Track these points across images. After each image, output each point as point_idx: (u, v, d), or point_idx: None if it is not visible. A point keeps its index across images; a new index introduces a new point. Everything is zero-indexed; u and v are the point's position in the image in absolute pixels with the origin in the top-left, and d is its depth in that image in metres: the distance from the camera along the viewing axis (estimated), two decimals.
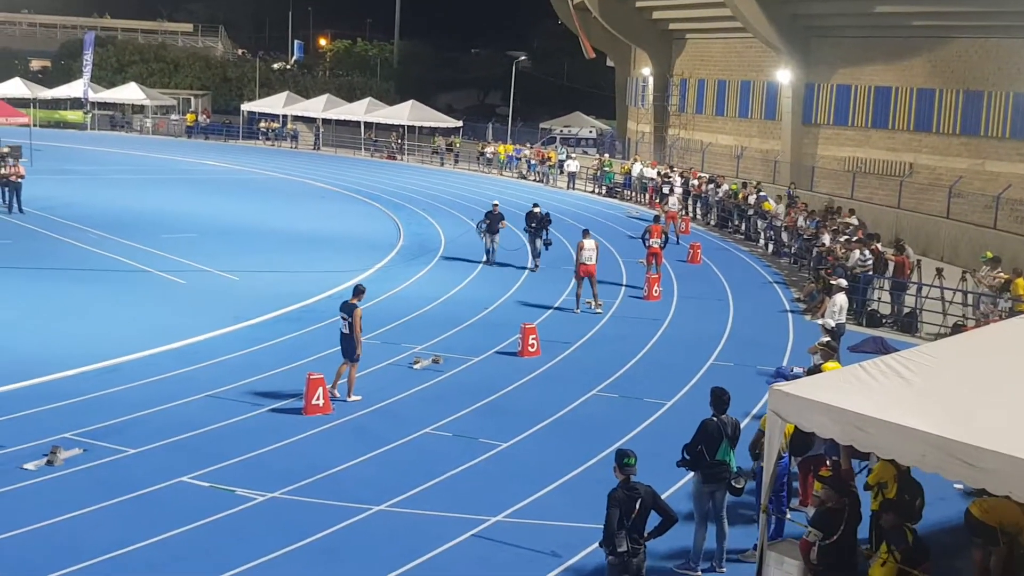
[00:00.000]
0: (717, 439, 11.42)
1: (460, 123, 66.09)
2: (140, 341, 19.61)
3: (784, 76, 46.20)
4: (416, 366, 18.96)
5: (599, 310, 24.20)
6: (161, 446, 14.45)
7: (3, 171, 34.19)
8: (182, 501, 12.69)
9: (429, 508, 12.83)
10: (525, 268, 29.52)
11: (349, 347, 16.74)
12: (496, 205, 31.29)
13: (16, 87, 66.04)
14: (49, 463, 13.53)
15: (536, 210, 30.32)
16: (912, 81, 41.83)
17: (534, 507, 13.04)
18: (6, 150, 36.37)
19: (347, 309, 16.67)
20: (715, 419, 11.58)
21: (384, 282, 26.44)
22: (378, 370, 18.53)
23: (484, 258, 30.60)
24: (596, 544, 10.97)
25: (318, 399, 16.16)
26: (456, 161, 61.09)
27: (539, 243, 29.78)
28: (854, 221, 29.99)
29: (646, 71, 58.50)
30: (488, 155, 60.60)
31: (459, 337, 21.40)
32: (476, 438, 15.37)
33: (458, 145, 61.73)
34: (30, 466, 13.39)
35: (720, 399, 11.72)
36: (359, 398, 16.76)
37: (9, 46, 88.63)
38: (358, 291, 17.10)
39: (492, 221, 30.02)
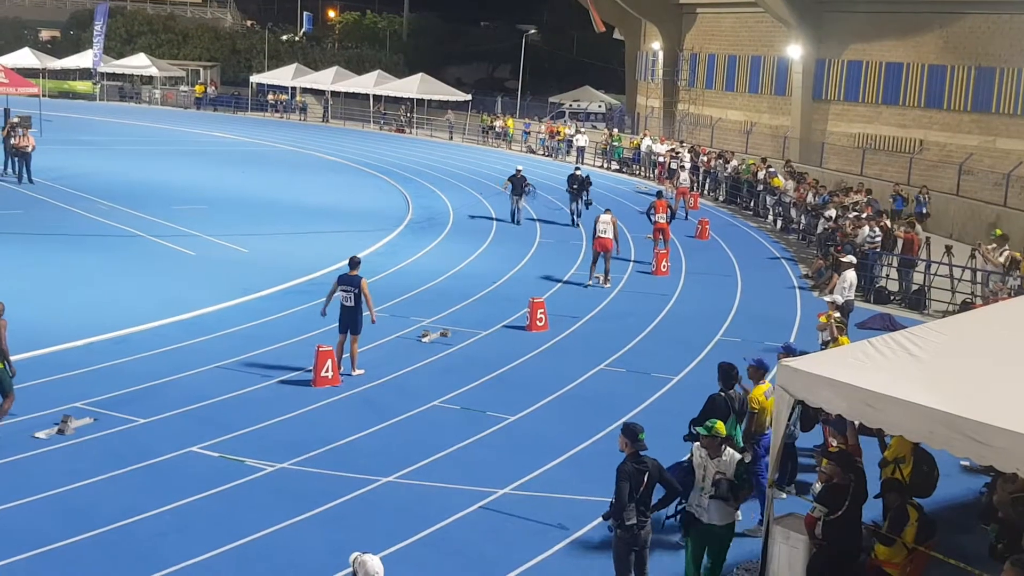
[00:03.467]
0: (724, 413, 11.46)
1: (469, 97, 65.86)
2: (150, 312, 19.68)
3: (795, 51, 46.00)
4: (425, 339, 19.00)
5: (607, 285, 24.20)
6: (171, 416, 14.52)
7: (13, 141, 34.13)
8: (192, 471, 12.76)
9: (437, 480, 12.89)
10: (537, 240, 29.54)
11: (350, 320, 16.67)
12: (519, 169, 33.16)
13: (25, 57, 65.99)
14: (60, 432, 13.62)
15: (577, 173, 33.80)
16: (923, 57, 41.60)
17: (541, 480, 13.10)
18: (16, 120, 36.34)
19: (351, 281, 16.59)
20: (723, 394, 11.66)
21: (393, 255, 26.47)
22: (387, 343, 18.58)
23: (511, 219, 32.74)
24: (600, 518, 11.07)
25: (327, 371, 16.22)
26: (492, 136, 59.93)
27: (580, 203, 32.58)
28: (863, 199, 29.91)
29: (656, 45, 58.25)
30: (497, 129, 60.40)
31: (468, 311, 21.43)
32: (484, 411, 15.43)
33: (511, 126, 60.32)
34: (41, 435, 13.49)
35: (728, 374, 11.77)
36: (363, 372, 16.79)
37: (19, 16, 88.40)
38: (355, 263, 16.98)
39: (516, 185, 32.34)
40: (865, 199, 30.02)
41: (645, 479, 9.49)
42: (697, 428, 10.08)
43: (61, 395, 14.67)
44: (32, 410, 14.02)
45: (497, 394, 16.28)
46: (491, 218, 33.47)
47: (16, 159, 34.04)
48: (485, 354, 18.38)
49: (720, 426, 9.87)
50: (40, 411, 14.01)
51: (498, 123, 61.23)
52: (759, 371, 12.34)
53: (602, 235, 24.03)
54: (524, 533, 11.64)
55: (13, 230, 26.53)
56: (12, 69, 50.88)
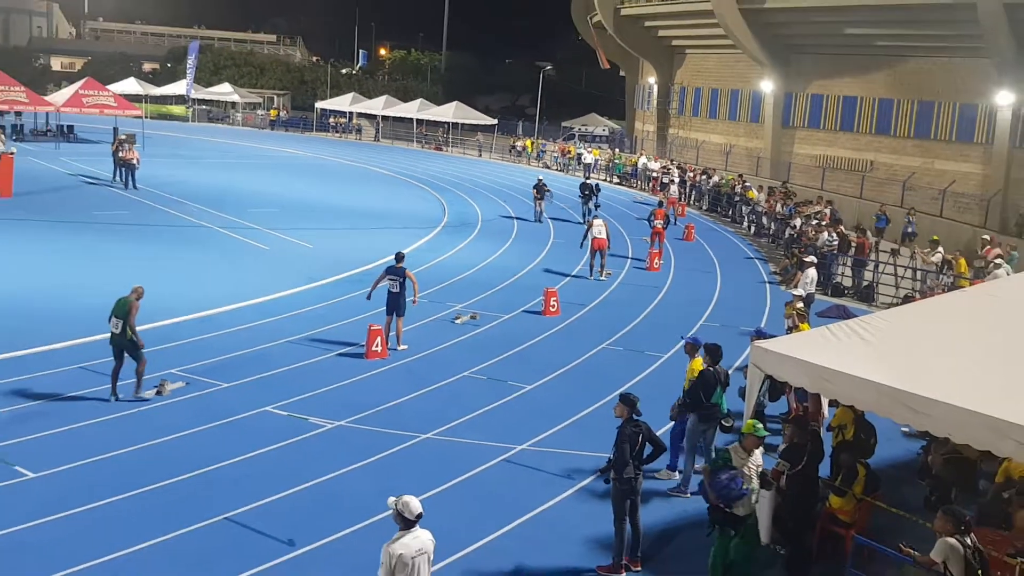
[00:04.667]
0: (712, 385, 11.48)
1: (495, 121, 65.69)
2: (231, 296, 19.72)
3: (767, 86, 45.74)
4: (457, 321, 18.99)
5: (605, 278, 24.15)
6: (248, 381, 14.56)
7: (121, 155, 34.23)
8: (265, 427, 12.80)
9: (467, 437, 12.91)
10: (551, 240, 29.51)
11: (396, 303, 16.64)
12: (541, 179, 34.61)
13: (131, 85, 66.24)
14: (158, 393, 13.69)
15: (588, 182, 35.70)
16: (874, 92, 41.32)
17: (553, 438, 13.11)
18: (123, 137, 36.50)
19: (398, 272, 16.59)
20: (711, 369, 11.62)
21: (431, 252, 26.46)
22: (426, 323, 18.58)
23: (534, 219, 33.70)
24: (598, 472, 11.09)
25: (376, 346, 16.23)
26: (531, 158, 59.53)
27: (590, 205, 33.58)
28: (826, 210, 29.73)
29: (651, 80, 57.97)
30: (518, 148, 60.31)
31: (493, 298, 21.41)
32: (506, 381, 15.42)
33: (529, 146, 59.85)
34: (144, 395, 13.53)
35: (715, 352, 11.77)
36: (406, 347, 16.78)
37: (126, 51, 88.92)
38: (400, 256, 17.01)
39: (538, 189, 33.61)
40: (827, 209, 29.85)
41: (640, 440, 9.52)
42: (744, 432, 9.65)
43: (159, 363, 14.64)
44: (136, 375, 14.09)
45: (517, 367, 16.27)
46: (513, 220, 33.41)
47: (124, 169, 34.11)
48: (507, 334, 18.36)
49: (760, 427, 9.67)
50: (131, 378, 14.00)
51: (519, 143, 61.07)
52: (695, 347, 12.39)
53: (598, 236, 24.02)
54: (538, 482, 11.65)
55: (122, 229, 26.64)
56: (120, 95, 51.10)
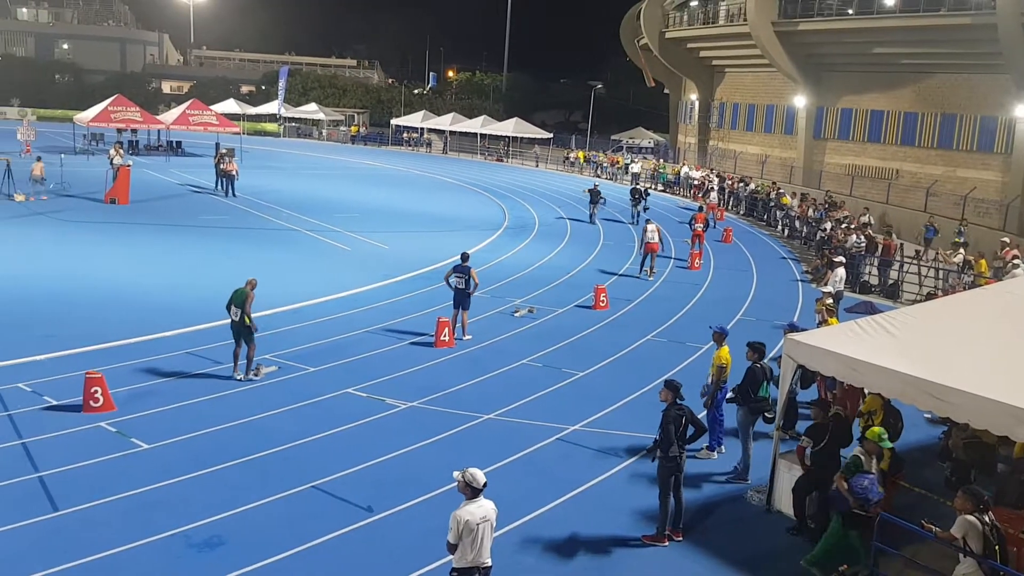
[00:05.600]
0: (760, 380, 11.26)
1: (551, 135, 65.52)
2: (317, 290, 19.98)
3: (800, 101, 44.94)
4: (516, 314, 19.02)
5: (650, 277, 23.97)
6: (332, 366, 14.75)
7: (222, 167, 34.86)
8: (347, 407, 12.96)
9: (525, 418, 12.93)
10: (601, 242, 29.37)
11: (462, 298, 16.70)
12: (596, 184, 35.75)
13: (231, 105, 67.47)
14: (255, 375, 13.94)
15: (638, 187, 36.68)
16: (900, 106, 40.36)
17: (603, 420, 13.06)
18: (224, 151, 37.13)
19: (464, 270, 16.66)
20: (758, 365, 11.39)
21: (493, 252, 26.53)
22: (488, 316, 18.63)
23: (588, 220, 33.90)
24: (644, 451, 11.02)
25: (444, 336, 16.33)
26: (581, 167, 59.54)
27: (639, 208, 34.57)
28: (865, 218, 29.06)
29: (693, 96, 57.37)
30: (571, 159, 60.12)
31: (548, 293, 21.39)
32: (560, 368, 15.40)
33: (581, 157, 59.86)
34: (241, 377, 13.80)
35: (759, 349, 11.52)
36: (471, 337, 16.84)
37: (226, 75, 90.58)
38: (466, 256, 17.11)
39: (593, 195, 34.04)
40: (866, 217, 29.20)
41: (683, 422, 9.45)
42: (867, 437, 9.34)
43: (256, 349, 15.00)
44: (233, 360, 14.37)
45: (570, 356, 16.24)
46: (566, 224, 33.34)
47: (224, 179, 34.70)
48: (561, 326, 18.33)
49: (885, 438, 9.34)
50: (243, 360, 14.28)
51: (572, 155, 60.84)
52: (722, 335, 12.10)
53: (650, 240, 23.80)
54: (589, 459, 11.63)
55: (224, 232, 27.20)
56: (221, 114, 52.15)
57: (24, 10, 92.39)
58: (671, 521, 9.59)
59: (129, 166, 32.09)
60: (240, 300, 13.53)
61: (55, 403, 12.32)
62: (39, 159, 33.10)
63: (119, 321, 16.54)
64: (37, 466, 10.36)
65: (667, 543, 9.51)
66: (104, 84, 75.98)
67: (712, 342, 12.34)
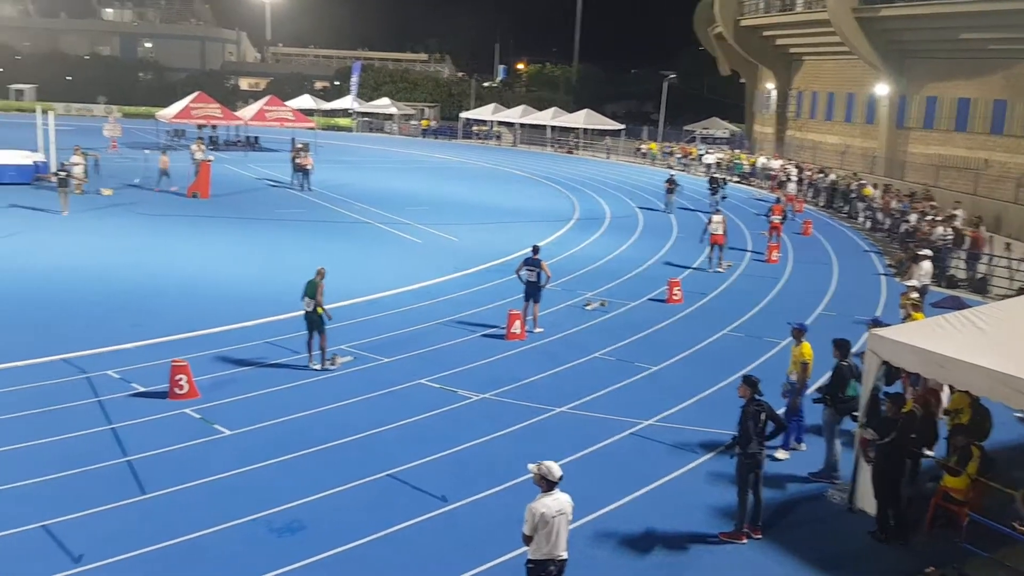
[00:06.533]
0: (847, 379, 10.97)
1: (622, 126, 65.04)
2: (390, 282, 20.26)
3: (882, 89, 43.55)
4: (588, 307, 18.95)
5: (722, 270, 23.59)
6: (405, 357, 14.94)
7: (298, 161, 35.52)
8: (420, 397, 13.11)
9: (597, 412, 12.89)
10: (675, 235, 29.05)
11: (533, 291, 16.69)
12: (673, 175, 35.82)
13: (305, 101, 68.78)
14: (331, 365, 14.22)
15: (716, 176, 37.35)
16: (988, 93, 38.72)
17: (677, 415, 12.93)
18: (300, 146, 37.84)
19: (534, 263, 16.65)
20: (845, 363, 11.09)
21: (563, 245, 26.48)
22: (559, 309, 18.61)
23: (664, 209, 34.41)
24: (723, 447, 10.87)
25: (516, 328, 16.38)
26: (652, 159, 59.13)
27: (717, 197, 34.58)
28: (957, 212, 27.97)
29: (770, 85, 56.16)
30: (643, 150, 59.59)
31: (620, 287, 21.26)
32: (633, 362, 15.30)
33: (653, 148, 59.69)
34: (318, 367, 14.09)
35: (844, 347, 11.20)
36: (542, 330, 16.84)
37: (301, 72, 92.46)
38: (536, 249, 17.05)
39: (669, 186, 34.18)
40: (958, 211, 28.12)
41: (763, 417, 9.30)
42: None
43: (332, 339, 15.11)
44: (313, 349, 14.64)
45: (643, 350, 16.11)
46: (638, 217, 33.09)
47: (300, 174, 35.32)
48: (634, 319, 18.21)
49: None
50: (316, 350, 14.58)
51: (644, 146, 60.31)
52: (801, 332, 11.78)
53: (715, 232, 23.45)
54: (664, 454, 11.53)
55: (300, 224, 27.74)
56: (297, 110, 53.22)
57: (109, 10, 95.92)
58: (749, 518, 9.45)
59: (210, 161, 33.01)
60: (312, 291, 13.82)
61: (142, 390, 12.79)
62: (164, 152, 34.42)
63: (202, 311, 17.08)
64: (126, 450, 10.78)
65: (745, 541, 9.37)
66: (185, 82, 78.33)
67: (791, 338, 12.04)
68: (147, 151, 41.20)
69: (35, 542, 8.59)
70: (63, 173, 27.15)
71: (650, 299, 20.04)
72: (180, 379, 12.52)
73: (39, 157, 33.06)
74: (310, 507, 9.57)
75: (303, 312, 14.04)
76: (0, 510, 9.13)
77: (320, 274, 14.03)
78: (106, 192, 30.52)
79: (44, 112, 34.98)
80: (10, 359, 13.71)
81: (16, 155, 33.45)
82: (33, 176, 31.62)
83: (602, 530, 9.41)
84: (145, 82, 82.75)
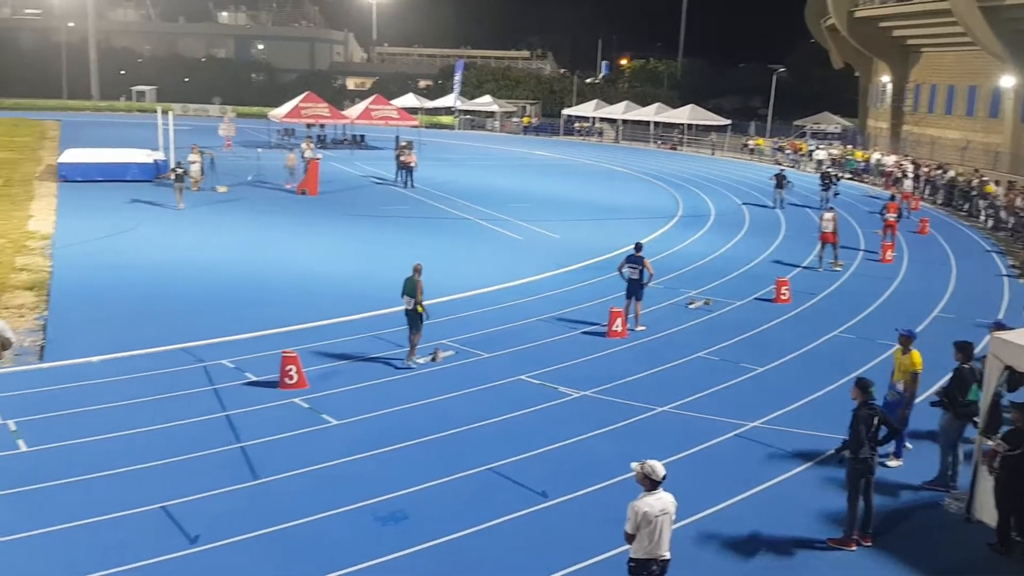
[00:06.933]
0: (969, 382, 10.48)
1: (728, 122, 63.74)
2: (491, 278, 20.43)
3: (1007, 81, 41.30)
4: (691, 306, 18.69)
5: (837, 268, 22.86)
6: (506, 353, 15.06)
7: (402, 159, 36.22)
8: (520, 393, 13.20)
9: (701, 412, 12.71)
10: (783, 232, 28.33)
11: (635, 288, 16.58)
12: (782, 170, 36.11)
13: (409, 100, 70.11)
14: (432, 359, 14.50)
15: (829, 171, 37.08)
16: None
17: (784, 417, 12.62)
18: (404, 144, 38.52)
19: (637, 260, 16.52)
20: (967, 366, 10.59)
21: (666, 242, 26.18)
22: (662, 308, 18.42)
23: (772, 205, 34.18)
24: (832, 450, 10.54)
25: (617, 326, 16.30)
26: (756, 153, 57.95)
27: (829, 193, 34.37)
28: None
29: (885, 79, 54.08)
30: (750, 146, 58.32)
31: (725, 285, 20.88)
32: (738, 363, 15.01)
33: (761, 144, 58.65)
34: (421, 360, 14.37)
35: (967, 349, 10.68)
36: (644, 328, 16.70)
37: (406, 71, 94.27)
38: (639, 246, 16.93)
39: (778, 181, 34.05)
40: None
41: (875, 422, 8.99)
42: None
43: (434, 334, 15.46)
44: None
45: (748, 350, 15.78)
46: (744, 214, 32.39)
47: (403, 171, 35.97)
48: (739, 319, 17.85)
49: None
50: (420, 344, 14.69)
51: (751, 142, 59.00)
52: (909, 339, 11.16)
53: (825, 230, 22.74)
54: (770, 457, 11.27)
55: (403, 221, 28.28)
56: (401, 108, 54.28)
57: (225, 14, 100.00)
58: (860, 525, 9.15)
59: (319, 159, 34.05)
60: (411, 289, 14.02)
61: (254, 379, 13.32)
62: (291, 151, 35.82)
63: (310, 304, 17.65)
64: (239, 436, 11.26)
65: (854, 548, 9.08)
66: (295, 82, 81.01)
67: (899, 345, 11.36)
68: (259, 149, 42.78)
69: (155, 522, 9.06)
70: (180, 170, 28.50)
71: (756, 298, 19.62)
72: (290, 369, 12.98)
73: (160, 156, 34.82)
74: (413, 497, 9.78)
75: (403, 309, 14.27)
76: (123, 491, 9.68)
77: (417, 271, 14.15)
78: (221, 189, 31.85)
79: (164, 113, 36.83)
80: (133, 348, 14.50)
81: (139, 154, 35.33)
82: (154, 174, 33.30)
83: (706, 531, 9.28)
84: (257, 83, 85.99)
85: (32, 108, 68.42)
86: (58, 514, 9.08)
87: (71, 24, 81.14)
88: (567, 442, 11.45)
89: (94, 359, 13.94)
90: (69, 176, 32.47)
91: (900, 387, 11.09)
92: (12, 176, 33.19)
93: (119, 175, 33.04)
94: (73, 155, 34.73)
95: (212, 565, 8.33)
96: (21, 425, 11.27)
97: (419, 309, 14.02)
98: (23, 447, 10.69)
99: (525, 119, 74.58)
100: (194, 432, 11.33)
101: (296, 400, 12.55)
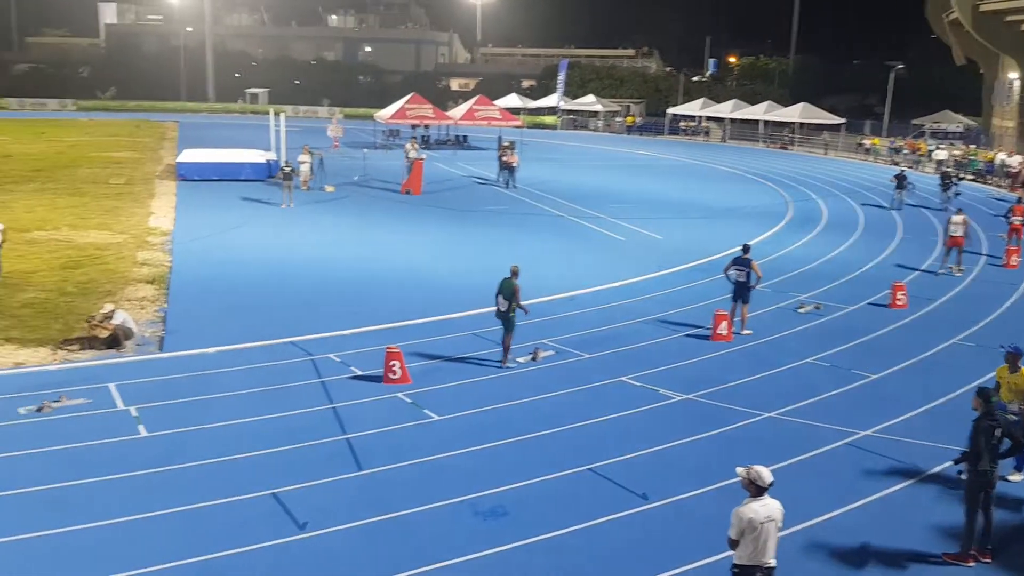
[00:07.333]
0: None
1: (842, 120, 61.72)
2: (592, 279, 20.40)
3: None
4: (800, 310, 18.22)
5: (958, 274, 21.87)
6: (606, 354, 15.01)
7: (504, 159, 36.52)
8: (621, 394, 13.15)
9: (810, 419, 12.38)
10: (899, 235, 27.28)
11: (742, 291, 16.27)
12: (903, 170, 34.99)
13: (512, 100, 70.60)
14: (532, 359, 14.57)
15: (948, 171, 36.66)
16: None
17: (899, 427, 12.17)
18: (506, 144, 38.85)
19: (744, 262, 16.22)
20: None
21: (774, 244, 25.57)
22: (769, 311, 18.02)
23: (889, 206, 33.33)
24: (950, 462, 10.12)
25: (722, 329, 16.04)
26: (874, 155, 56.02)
27: (949, 193, 33.78)
28: None
29: (1013, 75, 51.33)
30: (866, 146, 56.34)
31: (836, 290, 20.25)
32: (849, 369, 14.55)
33: (877, 143, 56.69)
34: (521, 359, 14.49)
35: None
36: (750, 332, 16.37)
37: (508, 71, 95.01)
38: (747, 248, 16.60)
39: (899, 182, 33.22)
40: None
41: (997, 434, 8.59)
42: None
43: (534, 334, 15.62)
44: (515, 342, 14.65)
45: (860, 356, 15.27)
46: (858, 216, 31.32)
47: (505, 171, 36.25)
48: (851, 324, 17.29)
49: None
50: (520, 343, 14.87)
51: (866, 141, 56.97)
52: (1016, 357, 10.49)
53: (954, 234, 21.75)
54: (883, 467, 10.89)
55: (505, 221, 28.56)
56: (504, 108, 54.71)
57: (334, 17, 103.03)
58: (978, 541, 8.76)
59: (423, 159, 34.70)
60: (508, 291, 14.02)
61: (359, 373, 13.71)
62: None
63: (413, 301, 18.05)
64: (344, 428, 11.61)
65: (972, 564, 8.70)
66: (400, 83, 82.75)
67: (1004, 363, 10.70)
68: (365, 150, 43.88)
69: (266, 508, 9.45)
70: (288, 168, 29.56)
71: (870, 303, 18.98)
72: (394, 365, 13.30)
73: (272, 156, 36.17)
74: (513, 494, 9.89)
75: (496, 310, 14.22)
76: (236, 477, 10.13)
77: (515, 273, 14.10)
78: (329, 189, 32.85)
79: (275, 114, 38.23)
80: (246, 340, 15.14)
81: (252, 154, 36.81)
82: (267, 174, 34.61)
83: (814, 541, 9.05)
84: (365, 84, 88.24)
85: (152, 110, 72.10)
86: (176, 497, 9.58)
87: (189, 29, 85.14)
88: (669, 445, 11.35)
89: (210, 350, 14.62)
90: (187, 175, 34.09)
91: (1015, 407, 10.42)
92: (134, 175, 35.10)
93: (234, 174, 34.49)
94: (191, 155, 36.46)
95: (319, 551, 8.64)
96: (142, 411, 11.93)
97: (514, 310, 14.01)
98: (143, 432, 11.31)
99: (629, 118, 74.03)
100: (302, 423, 11.75)
101: (399, 395, 12.85)
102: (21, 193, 29.90)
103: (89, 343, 14.50)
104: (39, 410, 11.82)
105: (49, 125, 57.49)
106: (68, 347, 14.47)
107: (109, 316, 14.67)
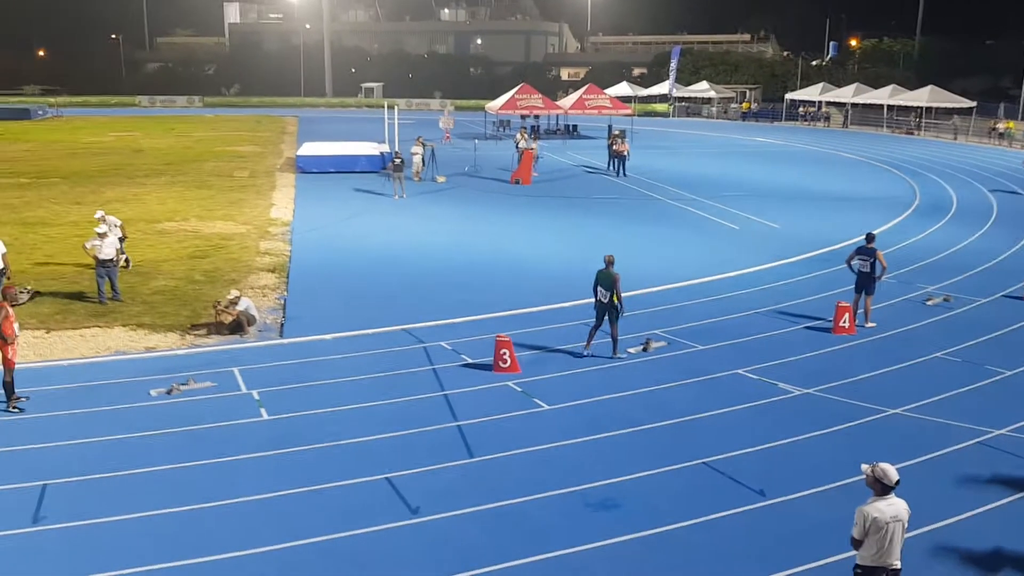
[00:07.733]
0: None
1: (973, 103, 58.41)
2: (705, 269, 20.05)
3: None
4: (929, 303, 17.34)
5: None
6: (722, 346, 14.70)
7: (615, 148, 36.29)
8: (737, 387, 12.84)
9: (938, 416, 11.76)
10: None
11: (866, 282, 15.60)
12: None
13: (623, 88, 69.91)
14: (644, 350, 14.39)
15: None
16: None
17: None
18: (616, 133, 38.59)
19: (868, 252, 15.57)
20: None
21: (901, 234, 24.44)
22: (895, 304, 17.23)
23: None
24: None
25: (844, 322, 15.43)
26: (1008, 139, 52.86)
27: None
28: None
29: None
30: (1000, 130, 53.14)
31: (968, 281, 19.19)
32: (983, 365, 13.77)
33: (1011, 127, 53.56)
34: (632, 350, 14.31)
35: None
36: (874, 325, 15.69)
37: (619, 59, 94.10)
38: (871, 237, 15.92)
39: None
40: None
41: None
42: None
43: (645, 324, 15.49)
44: (627, 332, 14.64)
45: (994, 352, 14.42)
46: (992, 203, 29.58)
47: (616, 160, 36.09)
48: (985, 318, 16.34)
49: None
50: (632, 334, 14.82)
51: (1000, 125, 53.76)
52: None
53: None
54: (1018, 468, 10.24)
55: (616, 210, 28.36)
56: (615, 97, 54.25)
57: (446, 11, 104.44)
58: None
59: (533, 149, 34.77)
60: (608, 283, 13.73)
61: (470, 361, 13.84)
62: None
63: (523, 290, 18.12)
64: (456, 416, 11.75)
65: None
66: (511, 74, 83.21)
67: None
68: (476, 141, 44.30)
69: (380, 492, 9.65)
70: (398, 159, 30.13)
71: (1005, 296, 17.94)
72: (504, 353, 13.36)
73: (386, 148, 36.99)
74: (624, 486, 9.78)
75: (595, 301, 13.94)
76: (351, 461, 10.38)
77: (610, 262, 13.73)
78: (440, 179, 33.32)
79: (389, 107, 39.05)
80: (361, 327, 15.52)
81: (367, 146, 37.80)
82: (381, 165, 35.43)
83: (943, 543, 8.60)
84: (475, 76, 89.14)
85: (273, 105, 74.95)
86: (295, 478, 9.90)
87: (308, 26, 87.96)
88: (787, 441, 11.00)
89: (327, 337, 15.06)
90: (306, 168, 35.24)
91: None
92: (257, 168, 36.52)
93: (350, 166, 35.45)
94: (309, 148, 37.72)
95: (431, 536, 8.76)
96: (264, 395, 12.39)
97: (615, 301, 13.70)
98: (264, 415, 11.74)
99: (744, 105, 72.22)
100: (415, 409, 11.95)
101: (509, 383, 12.90)
102: (153, 186, 31.56)
103: (215, 328, 15.17)
104: (169, 392, 12.43)
105: (178, 121, 60.53)
106: (196, 332, 15.18)
107: (234, 302, 15.31)
